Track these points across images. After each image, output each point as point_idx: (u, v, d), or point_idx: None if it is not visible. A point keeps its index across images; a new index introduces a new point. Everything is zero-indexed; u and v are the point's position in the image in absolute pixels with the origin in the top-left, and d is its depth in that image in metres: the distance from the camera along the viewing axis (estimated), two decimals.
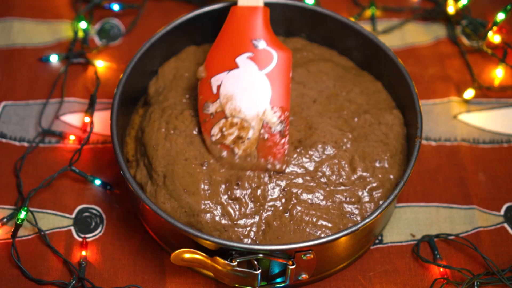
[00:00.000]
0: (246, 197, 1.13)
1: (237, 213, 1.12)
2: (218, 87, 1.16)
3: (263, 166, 1.13)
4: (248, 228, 1.12)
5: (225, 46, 1.17)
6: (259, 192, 1.13)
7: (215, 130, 1.15)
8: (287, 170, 1.15)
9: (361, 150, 1.18)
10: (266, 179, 1.14)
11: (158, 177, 1.15)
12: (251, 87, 1.15)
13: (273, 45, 1.16)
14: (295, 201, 1.13)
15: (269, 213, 1.13)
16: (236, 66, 1.16)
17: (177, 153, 1.16)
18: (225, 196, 1.13)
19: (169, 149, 1.16)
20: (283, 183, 1.14)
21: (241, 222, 1.12)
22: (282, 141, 1.14)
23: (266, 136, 1.14)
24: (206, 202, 1.12)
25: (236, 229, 1.12)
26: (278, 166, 1.14)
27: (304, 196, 1.14)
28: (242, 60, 1.16)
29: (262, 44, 1.16)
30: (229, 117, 1.15)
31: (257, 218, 1.13)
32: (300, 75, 1.24)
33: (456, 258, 1.21)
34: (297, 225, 1.12)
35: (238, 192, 1.13)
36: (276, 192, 1.14)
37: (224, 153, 1.14)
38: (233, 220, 1.12)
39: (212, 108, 1.15)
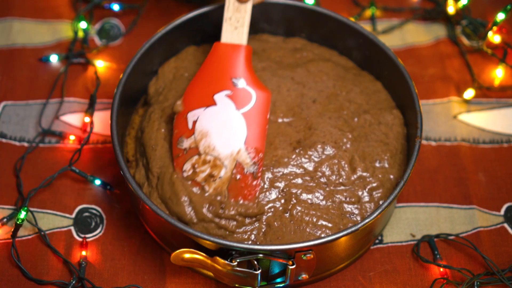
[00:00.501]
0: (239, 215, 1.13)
1: (233, 224, 1.12)
2: (194, 122, 1.14)
3: (233, 206, 1.12)
4: (248, 233, 1.12)
5: (205, 82, 1.16)
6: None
7: (187, 166, 1.13)
8: (286, 171, 1.15)
9: (361, 150, 1.17)
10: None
11: (153, 178, 1.15)
12: (227, 126, 1.14)
13: (253, 84, 1.15)
14: (294, 201, 1.13)
15: (269, 214, 1.13)
16: (214, 103, 1.15)
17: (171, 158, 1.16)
18: (211, 215, 1.12)
19: (167, 150, 1.16)
20: (282, 184, 1.14)
21: (240, 229, 1.12)
22: (254, 182, 1.12)
23: (238, 176, 1.12)
24: (191, 214, 1.12)
25: (235, 235, 1.12)
26: (249, 210, 1.12)
27: (304, 196, 1.14)
28: (220, 97, 1.15)
29: (241, 83, 1.15)
30: (202, 154, 1.13)
31: (257, 224, 1.12)
32: (300, 75, 1.24)
33: (456, 258, 1.21)
34: (297, 225, 1.12)
35: (226, 213, 1.12)
36: (273, 194, 1.14)
37: (195, 190, 1.13)
38: (231, 230, 1.11)
39: (186, 143, 1.14)
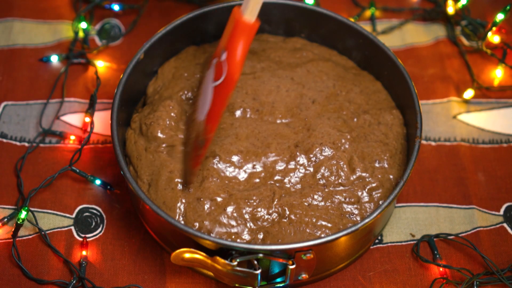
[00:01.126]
0: (237, 219, 1.12)
1: (226, 229, 1.12)
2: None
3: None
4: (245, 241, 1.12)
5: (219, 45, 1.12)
6: (250, 211, 1.13)
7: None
8: (285, 173, 1.15)
9: (360, 151, 1.18)
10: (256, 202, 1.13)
11: (143, 184, 1.15)
12: (205, 93, 1.11)
13: (230, 62, 1.06)
14: (294, 203, 1.13)
15: (265, 223, 1.13)
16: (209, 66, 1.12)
17: (161, 164, 1.15)
18: (208, 220, 1.12)
19: (152, 160, 1.16)
20: (279, 185, 1.14)
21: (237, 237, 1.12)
22: (199, 153, 1.12)
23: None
24: (183, 221, 1.12)
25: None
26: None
27: (303, 198, 1.13)
28: (212, 63, 1.10)
29: (223, 56, 1.07)
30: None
31: (254, 226, 1.12)
32: (300, 75, 1.24)
33: (456, 258, 1.22)
34: (297, 226, 1.12)
35: (226, 216, 1.12)
36: (271, 195, 1.14)
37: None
38: (226, 237, 1.12)
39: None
